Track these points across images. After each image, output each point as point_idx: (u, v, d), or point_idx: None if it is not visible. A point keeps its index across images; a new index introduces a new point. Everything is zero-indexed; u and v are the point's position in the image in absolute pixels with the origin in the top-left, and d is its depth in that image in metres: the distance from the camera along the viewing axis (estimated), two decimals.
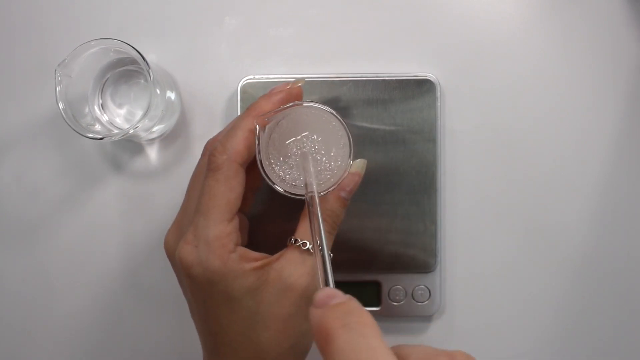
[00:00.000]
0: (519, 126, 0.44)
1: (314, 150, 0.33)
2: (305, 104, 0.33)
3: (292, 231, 0.34)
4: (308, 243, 0.32)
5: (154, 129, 0.41)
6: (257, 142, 0.33)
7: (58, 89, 0.38)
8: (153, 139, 0.44)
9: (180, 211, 0.36)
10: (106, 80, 0.42)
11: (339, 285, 0.27)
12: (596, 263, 0.44)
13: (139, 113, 0.42)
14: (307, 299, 0.32)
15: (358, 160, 0.34)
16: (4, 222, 0.45)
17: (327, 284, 0.28)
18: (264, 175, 0.33)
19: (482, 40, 0.44)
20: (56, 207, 0.44)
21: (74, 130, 0.38)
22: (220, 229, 0.32)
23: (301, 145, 0.33)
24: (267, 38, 0.44)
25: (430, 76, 0.42)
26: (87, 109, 0.41)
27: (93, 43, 0.38)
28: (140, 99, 0.42)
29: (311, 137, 0.33)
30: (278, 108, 0.33)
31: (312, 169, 0.32)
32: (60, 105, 0.38)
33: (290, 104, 0.33)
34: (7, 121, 0.44)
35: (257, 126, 0.33)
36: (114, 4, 0.44)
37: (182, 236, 0.33)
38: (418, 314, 0.43)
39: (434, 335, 0.45)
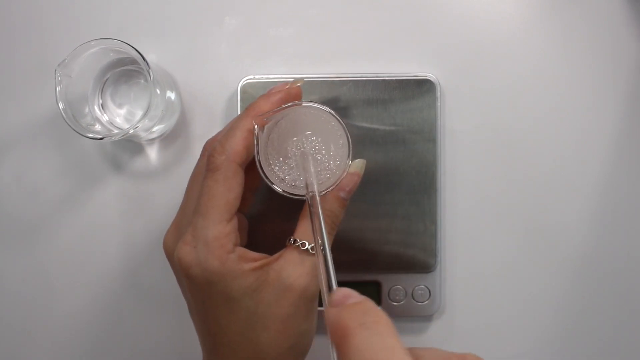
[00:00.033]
0: (519, 126, 0.44)
1: (314, 150, 0.33)
2: (304, 104, 0.33)
3: (292, 231, 0.34)
4: (307, 243, 0.32)
5: (154, 129, 0.41)
6: (255, 142, 0.33)
7: (58, 89, 0.38)
8: (153, 139, 0.44)
9: (179, 211, 0.36)
10: (106, 80, 0.42)
11: (339, 285, 0.27)
12: (596, 263, 0.44)
13: (139, 113, 0.42)
14: (306, 299, 0.32)
15: (357, 160, 0.34)
16: (4, 222, 0.45)
17: (329, 284, 0.28)
18: (262, 175, 0.33)
19: (482, 40, 0.44)
20: (56, 207, 0.44)
21: (74, 130, 0.38)
22: (219, 229, 0.32)
23: (301, 145, 0.33)
24: (267, 38, 0.44)
25: (430, 76, 0.42)
26: (87, 109, 0.41)
27: (93, 43, 0.38)
28: (140, 99, 0.42)
29: (310, 137, 0.33)
30: (277, 108, 0.33)
31: (312, 169, 0.32)
32: (60, 105, 0.38)
33: (289, 104, 0.33)
34: (7, 121, 0.44)
35: (256, 126, 0.33)
36: (114, 4, 0.44)
37: (181, 237, 0.33)
38: (418, 314, 0.43)
39: (434, 335, 0.45)
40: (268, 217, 0.41)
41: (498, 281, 0.44)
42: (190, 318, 0.36)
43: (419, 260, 0.42)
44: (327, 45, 0.44)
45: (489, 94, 0.44)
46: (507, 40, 0.44)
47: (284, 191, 0.33)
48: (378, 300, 0.43)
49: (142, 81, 0.42)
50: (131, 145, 0.44)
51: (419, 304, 0.43)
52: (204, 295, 0.33)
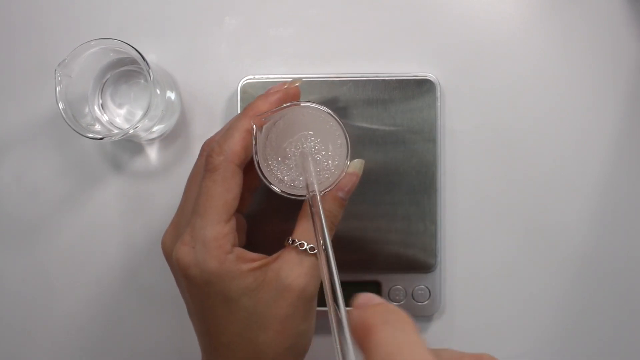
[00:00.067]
0: (519, 126, 0.44)
1: (314, 150, 0.33)
2: (302, 104, 0.33)
3: (291, 231, 0.33)
4: (305, 244, 0.32)
5: (154, 129, 0.41)
6: (254, 143, 0.33)
7: (58, 89, 0.38)
8: (153, 139, 0.44)
9: (178, 212, 0.36)
10: (106, 80, 0.42)
11: (340, 284, 0.27)
12: (596, 263, 0.44)
13: (139, 113, 0.42)
14: (304, 299, 0.32)
15: (356, 160, 0.34)
16: (4, 222, 0.45)
17: (332, 283, 0.28)
18: (260, 175, 0.33)
19: (482, 40, 0.44)
20: (56, 207, 0.44)
21: (74, 130, 0.38)
22: (218, 229, 0.32)
23: (300, 145, 0.33)
24: (267, 38, 0.44)
25: (430, 76, 0.42)
26: (87, 109, 0.41)
27: (93, 43, 0.38)
28: (140, 99, 0.42)
29: (309, 137, 0.33)
30: (275, 108, 0.33)
31: (312, 169, 0.32)
32: (60, 105, 0.38)
33: (288, 104, 0.33)
34: (7, 121, 0.44)
35: (254, 126, 0.33)
36: (114, 4, 0.44)
37: (179, 237, 0.33)
38: (418, 314, 0.43)
39: (434, 335, 0.45)
40: (267, 218, 0.41)
41: (498, 281, 0.44)
42: (189, 318, 0.36)
43: (419, 260, 0.42)
44: (327, 45, 0.44)
45: (489, 94, 0.44)
46: (507, 40, 0.44)
47: (282, 191, 0.33)
48: None
49: (142, 81, 0.42)
50: (131, 145, 0.44)
51: (419, 304, 0.43)
52: (202, 295, 0.33)
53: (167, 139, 0.44)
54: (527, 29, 0.44)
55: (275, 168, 0.33)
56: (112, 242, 0.44)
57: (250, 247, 0.34)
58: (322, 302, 0.43)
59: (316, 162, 0.33)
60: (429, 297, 0.43)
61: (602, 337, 0.44)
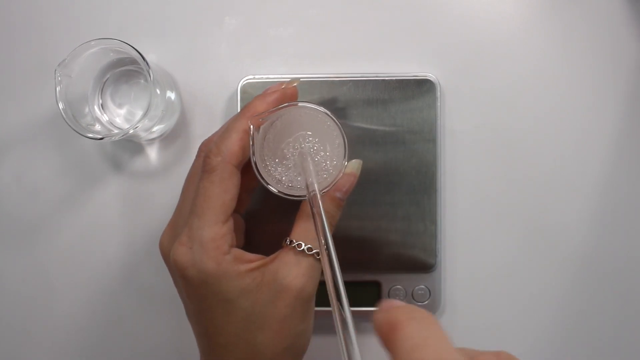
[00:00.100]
0: (519, 126, 0.44)
1: (313, 151, 0.33)
2: (300, 104, 0.33)
3: (290, 232, 0.34)
4: (303, 244, 0.32)
5: (154, 129, 0.41)
6: (251, 143, 0.33)
7: (58, 89, 0.38)
8: (153, 139, 0.44)
9: (175, 212, 0.36)
10: (106, 80, 0.42)
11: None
12: (596, 263, 0.44)
13: (139, 113, 0.42)
14: (302, 300, 0.32)
15: (353, 160, 0.34)
16: (4, 222, 0.45)
17: (335, 283, 0.28)
18: (258, 176, 0.33)
19: (482, 40, 0.44)
20: (56, 207, 0.45)
21: (74, 130, 0.38)
22: (215, 230, 0.32)
23: (298, 145, 0.33)
24: (267, 38, 0.44)
25: (430, 76, 0.42)
26: (87, 109, 0.41)
27: (93, 43, 0.38)
28: (140, 99, 0.42)
29: (307, 137, 0.33)
30: (273, 108, 0.33)
31: (312, 169, 0.32)
32: (60, 105, 0.38)
33: (285, 105, 0.33)
34: (7, 121, 0.44)
35: (252, 127, 0.33)
36: (114, 4, 0.44)
37: (177, 237, 0.33)
38: None
39: None
40: (267, 218, 0.41)
41: (498, 281, 0.44)
42: (187, 319, 0.36)
43: (419, 260, 0.42)
44: (327, 45, 0.44)
45: (489, 94, 0.44)
46: (507, 40, 0.44)
47: (279, 192, 0.33)
48: (378, 301, 0.43)
49: (142, 81, 0.42)
50: (131, 145, 0.44)
51: (419, 304, 0.43)
52: (200, 296, 0.33)
53: (167, 139, 0.44)
54: (527, 29, 0.44)
55: (273, 168, 0.33)
56: (112, 242, 0.45)
57: (249, 248, 0.34)
58: (321, 302, 0.43)
59: (315, 162, 0.33)
60: (429, 297, 0.43)
61: (602, 337, 0.44)
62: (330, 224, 0.34)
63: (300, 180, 0.33)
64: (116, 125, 0.42)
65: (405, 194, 0.42)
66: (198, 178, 0.33)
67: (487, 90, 0.44)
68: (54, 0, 0.44)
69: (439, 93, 0.42)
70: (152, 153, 0.44)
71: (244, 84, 0.42)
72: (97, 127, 0.41)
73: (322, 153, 0.33)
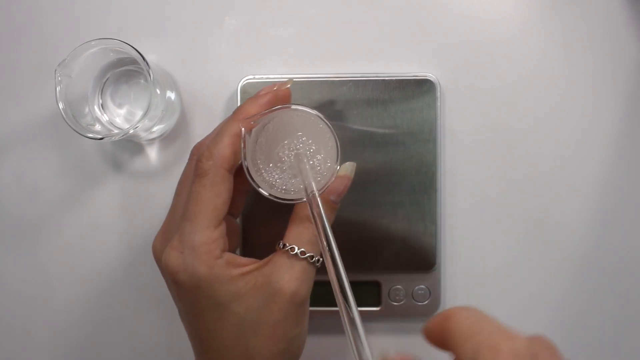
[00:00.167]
0: (519, 126, 0.44)
1: (310, 153, 0.33)
2: (292, 106, 0.32)
3: (283, 235, 0.33)
4: (296, 248, 0.32)
5: (154, 129, 0.41)
6: (242, 147, 0.32)
7: (58, 89, 0.38)
8: (153, 139, 0.44)
9: (168, 216, 0.36)
10: (106, 80, 0.42)
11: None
12: (596, 263, 0.44)
13: (139, 113, 0.42)
14: (295, 304, 0.32)
15: (347, 163, 0.34)
16: (4, 222, 0.45)
17: (340, 283, 0.28)
18: (249, 179, 0.32)
19: (482, 40, 0.44)
20: (56, 207, 0.45)
21: (74, 130, 0.38)
22: (207, 234, 0.32)
23: (294, 147, 0.33)
24: (267, 38, 0.44)
25: (430, 76, 0.42)
26: (87, 109, 0.41)
27: (93, 43, 0.38)
28: (140, 99, 0.42)
29: (301, 139, 0.33)
30: (264, 111, 0.33)
31: (308, 169, 0.32)
32: (60, 105, 0.38)
33: (277, 107, 0.33)
34: (7, 121, 0.44)
35: (243, 129, 0.32)
36: (114, 4, 0.44)
37: (169, 241, 0.33)
38: (418, 314, 0.43)
39: None
40: (265, 220, 0.41)
41: (498, 281, 0.44)
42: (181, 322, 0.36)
43: (419, 260, 0.42)
44: (327, 45, 0.44)
45: (489, 94, 0.44)
46: (507, 40, 0.44)
47: (270, 195, 0.32)
48: (378, 300, 0.43)
49: (142, 81, 0.42)
50: (131, 145, 0.44)
51: (419, 304, 0.43)
52: (192, 300, 0.32)
53: (167, 139, 0.44)
54: (527, 29, 0.44)
55: (266, 172, 0.33)
56: (112, 242, 0.44)
57: (248, 250, 0.34)
58: (320, 302, 0.43)
59: (311, 165, 0.33)
60: (429, 297, 0.43)
61: (602, 337, 0.44)
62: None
63: (294, 183, 0.33)
64: (116, 125, 0.42)
65: (405, 194, 0.42)
66: (190, 182, 0.33)
67: (487, 90, 0.44)
68: (54, 0, 0.44)
69: (439, 93, 0.42)
70: (152, 153, 0.44)
71: (244, 84, 0.42)
72: (97, 127, 0.41)
73: (319, 156, 0.33)
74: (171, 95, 0.42)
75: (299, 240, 0.32)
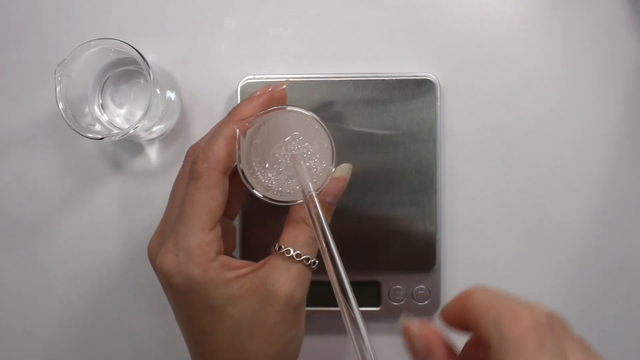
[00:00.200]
0: (519, 126, 0.44)
1: (306, 156, 0.33)
2: (288, 108, 0.32)
3: (279, 238, 0.33)
4: (292, 250, 0.32)
5: (154, 129, 0.41)
6: (237, 149, 0.32)
7: (58, 89, 0.38)
8: (153, 139, 0.44)
9: (163, 219, 0.36)
10: (106, 80, 0.42)
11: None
12: (596, 263, 0.44)
13: (139, 113, 0.42)
14: (291, 306, 0.32)
15: (343, 164, 0.34)
16: (4, 222, 0.45)
17: (340, 283, 0.28)
18: (243, 181, 0.32)
19: (482, 40, 0.44)
20: (56, 207, 0.45)
21: (74, 130, 0.38)
22: (201, 237, 0.31)
23: (291, 148, 0.33)
24: (267, 38, 0.44)
25: (430, 76, 0.42)
26: (87, 109, 0.41)
27: (93, 43, 0.38)
28: (140, 99, 0.42)
29: (297, 139, 0.33)
30: (259, 112, 0.33)
31: (305, 171, 0.32)
32: (60, 105, 0.38)
33: (272, 108, 0.32)
34: (7, 121, 0.44)
35: (237, 131, 0.32)
36: (114, 4, 0.44)
37: (164, 244, 0.33)
38: (418, 314, 0.43)
39: None
40: (266, 221, 0.41)
41: (498, 281, 0.44)
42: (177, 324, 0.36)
43: (419, 260, 0.42)
44: (327, 45, 0.44)
45: (489, 94, 0.44)
46: (507, 40, 0.44)
47: (264, 197, 0.32)
48: (378, 301, 0.43)
49: (142, 81, 0.42)
50: (131, 145, 0.44)
51: (419, 304, 0.43)
52: (187, 303, 0.32)
53: (167, 139, 0.44)
54: (527, 29, 0.44)
55: (261, 173, 0.33)
56: (112, 242, 0.44)
57: (247, 252, 0.34)
58: (318, 302, 0.43)
59: (308, 167, 0.33)
60: (429, 297, 0.43)
61: (602, 337, 0.44)
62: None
63: (290, 185, 0.33)
64: (116, 125, 0.42)
65: (405, 194, 0.42)
66: (185, 184, 0.33)
67: (487, 90, 0.44)
68: (54, 0, 0.44)
69: (439, 93, 0.42)
70: (152, 153, 0.44)
71: (244, 84, 0.42)
72: (97, 127, 0.41)
73: (315, 157, 0.33)
74: (171, 95, 0.42)
75: (294, 242, 0.32)
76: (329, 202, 0.33)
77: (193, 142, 0.44)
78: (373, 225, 0.42)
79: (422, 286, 0.43)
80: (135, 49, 0.37)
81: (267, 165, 0.33)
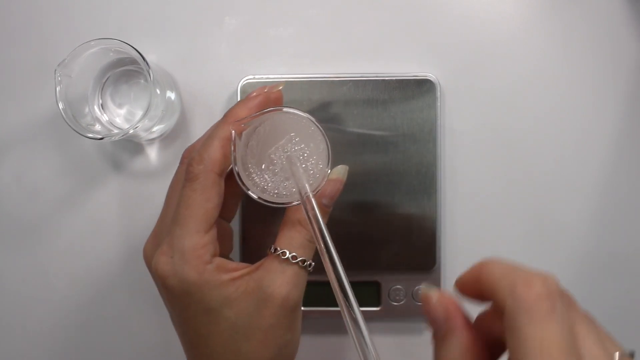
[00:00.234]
0: (519, 126, 0.44)
1: (302, 158, 0.33)
2: (284, 109, 0.32)
3: (275, 240, 0.33)
4: (287, 252, 0.32)
5: (154, 129, 0.41)
6: (232, 150, 0.32)
7: (58, 89, 0.38)
8: (153, 139, 0.44)
9: (159, 221, 0.35)
10: (106, 80, 0.42)
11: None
12: (596, 263, 0.44)
13: (139, 113, 0.42)
14: (287, 309, 0.32)
15: (339, 166, 0.34)
16: (4, 222, 0.45)
17: (339, 283, 0.28)
18: (239, 182, 0.32)
19: (482, 40, 0.44)
20: (56, 207, 0.45)
21: (74, 130, 0.38)
22: (197, 239, 0.31)
23: (288, 149, 0.33)
24: (267, 38, 0.44)
25: (430, 76, 0.42)
26: (87, 109, 0.41)
27: (93, 43, 0.38)
28: (140, 99, 0.42)
29: (293, 141, 0.33)
30: (255, 113, 0.32)
31: (302, 172, 0.32)
32: (60, 105, 0.38)
33: (268, 110, 0.32)
34: (7, 121, 0.44)
35: (233, 132, 0.32)
36: (114, 4, 0.44)
37: (159, 246, 0.33)
38: (418, 314, 0.43)
39: None
40: (266, 223, 0.41)
41: None
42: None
43: (419, 260, 0.42)
44: (327, 45, 0.44)
45: (489, 94, 0.44)
46: (507, 40, 0.44)
47: (259, 198, 0.32)
48: (378, 300, 0.43)
49: (142, 81, 0.42)
50: (131, 145, 0.44)
51: (419, 304, 0.43)
52: (182, 305, 0.32)
53: (167, 139, 0.44)
54: (527, 29, 0.44)
55: (257, 175, 0.33)
56: (112, 242, 0.44)
57: (246, 253, 0.33)
58: (317, 302, 0.43)
59: (304, 168, 0.33)
60: None
61: None
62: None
63: (286, 186, 0.32)
64: (116, 125, 0.42)
65: (405, 194, 0.42)
66: (181, 186, 0.33)
67: (487, 90, 0.44)
68: (53, 0, 0.44)
69: (439, 93, 0.42)
70: (152, 153, 0.44)
71: (244, 84, 0.42)
72: (97, 127, 0.41)
73: (311, 159, 0.33)
74: (171, 95, 0.42)
75: (290, 244, 0.32)
76: (325, 204, 0.33)
77: (193, 142, 0.44)
78: (373, 225, 0.42)
79: (423, 286, 0.43)
80: (135, 49, 0.37)
81: (263, 166, 0.33)
